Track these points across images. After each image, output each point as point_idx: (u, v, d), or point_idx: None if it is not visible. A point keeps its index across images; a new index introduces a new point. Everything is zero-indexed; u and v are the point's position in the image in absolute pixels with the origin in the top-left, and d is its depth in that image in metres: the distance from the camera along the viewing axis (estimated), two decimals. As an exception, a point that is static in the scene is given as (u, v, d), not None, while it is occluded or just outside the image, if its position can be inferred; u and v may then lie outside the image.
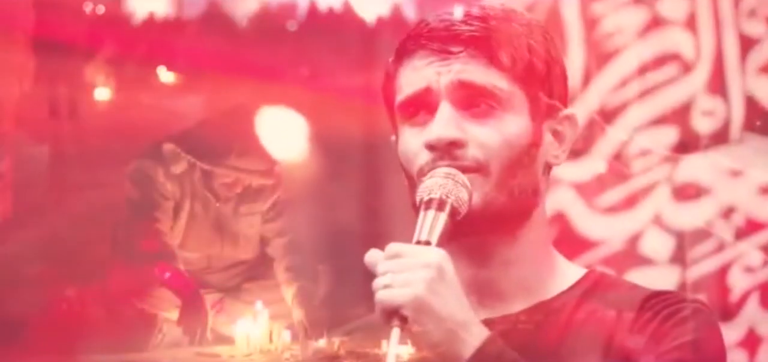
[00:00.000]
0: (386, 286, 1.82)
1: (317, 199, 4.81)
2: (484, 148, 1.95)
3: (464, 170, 1.94)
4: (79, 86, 4.74)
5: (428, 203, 1.90)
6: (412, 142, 1.99)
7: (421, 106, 1.99)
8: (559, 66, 2.04)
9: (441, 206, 1.89)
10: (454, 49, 1.97)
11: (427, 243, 1.86)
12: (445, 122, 1.95)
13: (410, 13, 4.89)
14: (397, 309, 1.81)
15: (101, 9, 4.78)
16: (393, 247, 1.85)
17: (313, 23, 4.94)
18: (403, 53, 2.01)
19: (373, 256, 1.86)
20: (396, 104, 2.02)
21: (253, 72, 4.72)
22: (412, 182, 1.99)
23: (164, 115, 4.81)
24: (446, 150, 1.94)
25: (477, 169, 1.95)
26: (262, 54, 4.82)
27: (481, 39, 1.97)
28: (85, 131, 4.72)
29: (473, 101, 1.97)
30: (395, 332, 1.80)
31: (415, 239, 1.88)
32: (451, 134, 1.94)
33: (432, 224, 1.88)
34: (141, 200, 4.70)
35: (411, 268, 1.83)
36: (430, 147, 1.95)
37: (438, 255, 1.84)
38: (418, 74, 1.98)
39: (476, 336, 1.84)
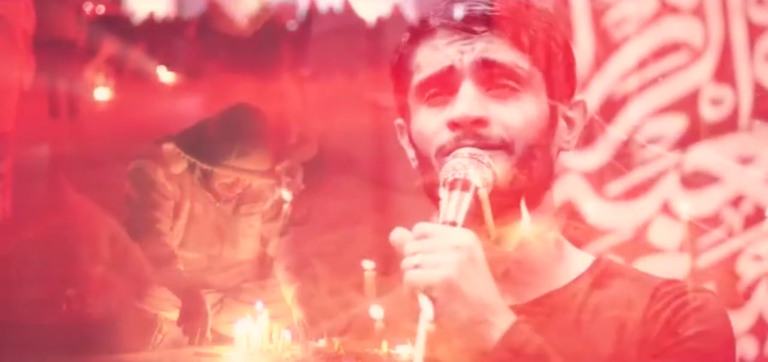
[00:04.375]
0: (416, 267, 1.81)
1: (320, 200, 4.81)
2: (507, 127, 1.96)
3: (489, 147, 1.94)
4: (79, 86, 4.74)
5: (453, 184, 1.89)
6: (431, 121, 1.99)
7: (442, 85, 1.98)
8: (569, 55, 2.05)
9: (466, 186, 1.89)
10: (478, 28, 1.97)
11: (454, 224, 1.86)
12: (470, 101, 1.95)
13: (410, 14, 4.89)
14: (426, 290, 1.80)
15: (101, 9, 4.78)
16: (422, 227, 1.84)
17: (313, 23, 4.94)
18: (421, 33, 2.01)
19: (400, 235, 1.85)
20: (413, 84, 2.01)
21: (253, 72, 4.72)
22: (426, 163, 1.99)
23: (164, 115, 4.80)
24: (470, 128, 1.94)
25: (501, 146, 1.95)
26: (262, 54, 4.81)
27: (503, 19, 1.97)
28: (85, 131, 4.71)
29: (496, 80, 1.97)
30: (423, 320, 1.78)
31: (440, 219, 1.87)
32: (475, 112, 1.94)
33: (458, 204, 1.87)
34: (141, 200, 4.69)
35: (442, 249, 1.81)
36: (454, 125, 1.95)
37: (469, 237, 1.83)
38: (440, 54, 1.98)
39: (504, 320, 1.84)
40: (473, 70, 1.97)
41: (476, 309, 1.81)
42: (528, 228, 1.96)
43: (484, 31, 1.98)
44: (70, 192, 4.30)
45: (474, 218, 1.89)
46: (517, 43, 1.98)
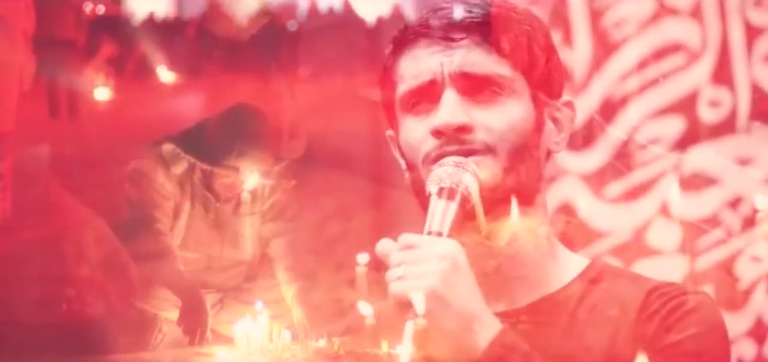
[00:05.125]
0: (400, 278, 1.81)
1: (317, 198, 4.81)
2: (491, 132, 1.96)
3: (473, 153, 1.95)
4: (79, 86, 4.74)
5: (439, 193, 1.90)
6: (416, 130, 2.00)
7: (424, 95, 1.99)
8: (555, 55, 2.06)
9: (451, 195, 1.90)
10: (457, 36, 1.98)
11: (439, 234, 1.86)
12: (452, 108, 1.96)
13: (410, 14, 4.89)
14: (411, 301, 1.81)
15: (101, 9, 4.79)
16: (406, 238, 1.85)
17: (314, 23, 4.95)
18: (402, 43, 2.02)
19: (385, 246, 1.85)
20: (398, 95, 2.02)
21: (252, 72, 4.73)
22: (415, 172, 2.00)
23: (164, 115, 4.81)
24: (454, 135, 1.95)
25: (486, 152, 1.96)
26: (261, 54, 4.82)
27: (482, 25, 1.98)
28: (85, 131, 4.72)
29: (477, 88, 1.98)
30: (409, 324, 1.79)
31: (426, 229, 1.88)
32: (458, 120, 1.95)
33: (443, 213, 1.88)
34: (141, 201, 4.69)
35: (426, 260, 1.82)
36: (438, 133, 1.96)
37: (452, 247, 1.84)
38: (421, 64, 1.99)
39: (490, 328, 1.85)
40: (454, 80, 1.97)
41: (461, 319, 1.82)
42: (519, 223, 1.96)
43: (463, 39, 1.98)
44: (59, 193, 4.29)
45: (464, 216, 1.90)
46: (497, 49, 1.99)
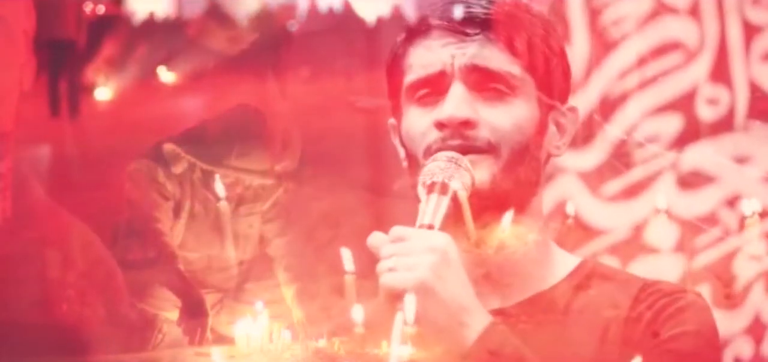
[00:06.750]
0: (391, 270, 1.82)
1: (315, 199, 4.80)
2: (495, 130, 1.97)
3: (475, 150, 1.95)
4: (79, 86, 4.74)
5: (431, 187, 1.91)
6: (420, 121, 2.00)
7: (432, 86, 2.00)
8: (564, 60, 2.07)
9: (444, 189, 1.91)
10: (471, 31, 1.99)
11: (430, 227, 1.87)
12: (458, 102, 1.97)
13: (410, 14, 4.88)
14: (401, 293, 1.82)
15: (101, 9, 4.78)
16: (397, 230, 1.86)
17: (314, 23, 4.94)
18: (416, 32, 2.03)
19: (376, 239, 1.87)
20: (405, 84, 2.03)
21: (253, 72, 4.72)
22: (414, 162, 2.00)
23: (164, 115, 4.80)
24: (457, 129, 1.96)
25: (488, 150, 1.96)
26: (262, 54, 4.81)
27: (497, 23, 1.99)
28: (86, 131, 4.71)
29: (486, 84, 1.98)
30: (399, 316, 1.80)
31: (418, 222, 1.89)
32: (463, 114, 1.96)
33: (435, 207, 1.89)
34: (141, 201, 4.69)
35: (416, 252, 1.83)
36: (441, 126, 1.96)
37: (443, 239, 1.85)
38: (432, 55, 2.00)
39: (479, 321, 1.86)
40: (464, 74, 1.98)
41: (452, 311, 1.83)
42: (508, 231, 1.97)
43: (477, 34, 1.99)
44: (41, 198, 4.29)
45: (455, 221, 1.91)
46: (510, 48, 1.99)
